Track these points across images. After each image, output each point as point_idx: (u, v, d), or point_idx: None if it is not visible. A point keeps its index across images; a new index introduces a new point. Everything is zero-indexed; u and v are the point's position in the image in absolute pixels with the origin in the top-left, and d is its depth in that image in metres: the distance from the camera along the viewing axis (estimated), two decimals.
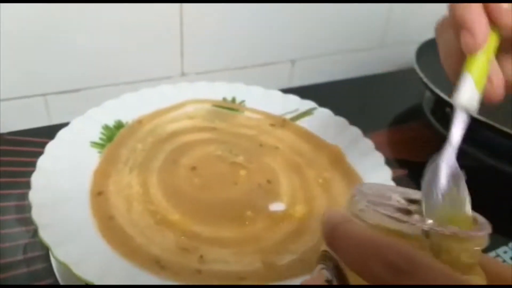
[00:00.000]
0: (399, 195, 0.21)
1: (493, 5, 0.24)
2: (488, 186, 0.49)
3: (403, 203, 0.21)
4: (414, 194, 0.22)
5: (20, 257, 0.37)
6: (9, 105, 0.51)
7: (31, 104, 0.52)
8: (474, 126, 0.51)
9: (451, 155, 0.24)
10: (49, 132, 0.39)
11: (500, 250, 0.40)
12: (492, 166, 0.51)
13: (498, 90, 0.26)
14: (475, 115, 0.26)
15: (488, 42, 0.25)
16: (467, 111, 0.25)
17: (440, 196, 0.22)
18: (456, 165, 0.23)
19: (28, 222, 0.38)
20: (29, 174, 0.34)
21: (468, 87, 0.25)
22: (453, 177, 0.23)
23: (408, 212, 0.20)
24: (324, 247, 0.20)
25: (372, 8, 0.64)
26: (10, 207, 0.41)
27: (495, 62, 0.26)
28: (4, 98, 0.50)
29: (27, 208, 0.32)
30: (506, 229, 0.42)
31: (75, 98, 0.54)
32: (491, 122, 0.49)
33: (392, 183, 0.37)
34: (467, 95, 0.25)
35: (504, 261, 0.39)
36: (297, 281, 0.30)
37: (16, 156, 0.46)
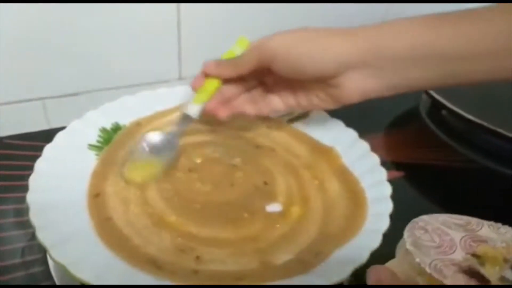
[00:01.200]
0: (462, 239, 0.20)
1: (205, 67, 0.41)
2: (483, 186, 0.49)
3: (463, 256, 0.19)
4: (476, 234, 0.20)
5: (18, 260, 0.37)
6: (7, 109, 0.51)
7: (30, 108, 0.52)
8: (470, 129, 0.52)
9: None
10: (48, 136, 0.39)
11: None
12: (486, 166, 0.52)
13: (208, 110, 0.41)
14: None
15: (208, 81, 0.41)
16: (188, 116, 0.41)
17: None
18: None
19: (26, 225, 0.38)
20: (27, 177, 0.35)
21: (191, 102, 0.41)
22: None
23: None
24: None
25: (368, 9, 0.65)
26: (9, 211, 0.41)
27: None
28: (3, 102, 0.51)
29: (25, 211, 0.32)
30: None
31: (73, 102, 0.54)
32: (485, 124, 0.49)
33: (387, 184, 0.37)
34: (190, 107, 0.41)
35: None
36: (293, 281, 0.30)
37: (15, 160, 0.46)
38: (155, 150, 0.39)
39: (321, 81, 0.38)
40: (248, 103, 0.43)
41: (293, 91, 0.41)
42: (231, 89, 0.42)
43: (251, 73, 0.40)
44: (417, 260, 0.19)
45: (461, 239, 0.21)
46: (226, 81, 0.41)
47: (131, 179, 0.37)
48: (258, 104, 0.43)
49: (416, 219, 0.23)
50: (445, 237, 0.21)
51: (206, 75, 0.41)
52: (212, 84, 0.41)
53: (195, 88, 0.41)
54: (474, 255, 0.19)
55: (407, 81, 0.37)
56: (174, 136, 0.40)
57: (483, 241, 0.20)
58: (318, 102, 0.40)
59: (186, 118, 0.41)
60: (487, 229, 0.21)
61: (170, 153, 0.39)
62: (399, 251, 0.20)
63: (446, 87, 0.37)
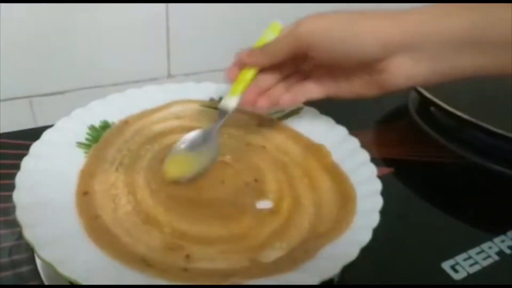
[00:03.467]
0: None
1: (238, 57, 0.39)
2: (472, 183, 0.50)
3: None
4: None
5: (5, 259, 0.37)
6: None
7: (16, 107, 0.52)
8: (459, 125, 0.52)
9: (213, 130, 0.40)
10: (35, 134, 0.39)
11: (485, 246, 0.40)
12: (475, 163, 0.52)
13: (246, 102, 0.40)
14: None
15: (243, 72, 0.39)
16: (226, 110, 0.40)
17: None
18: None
19: (13, 224, 0.37)
20: (14, 176, 0.34)
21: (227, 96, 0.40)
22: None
23: None
24: None
25: (359, 8, 0.65)
26: None
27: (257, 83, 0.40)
28: None
29: (12, 210, 0.32)
30: (489, 224, 0.43)
31: (60, 100, 0.53)
32: (474, 120, 0.50)
33: (377, 180, 0.37)
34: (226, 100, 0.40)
35: (489, 256, 0.39)
36: (283, 278, 0.30)
37: (1, 159, 0.46)
38: (191, 146, 0.39)
39: (364, 66, 0.36)
40: (285, 92, 0.41)
41: (333, 76, 0.40)
42: (266, 79, 0.40)
43: (287, 61, 0.38)
44: None
45: None
46: (261, 70, 0.39)
47: (169, 175, 0.37)
48: (294, 91, 0.41)
49: None
50: None
51: (239, 65, 0.39)
52: (248, 75, 0.39)
53: (230, 80, 0.40)
54: None
55: (453, 67, 0.35)
56: (212, 132, 0.40)
57: None
58: (359, 89, 0.39)
59: (223, 111, 0.40)
60: None
61: (209, 148, 0.39)
62: None
63: (494, 76, 0.35)
